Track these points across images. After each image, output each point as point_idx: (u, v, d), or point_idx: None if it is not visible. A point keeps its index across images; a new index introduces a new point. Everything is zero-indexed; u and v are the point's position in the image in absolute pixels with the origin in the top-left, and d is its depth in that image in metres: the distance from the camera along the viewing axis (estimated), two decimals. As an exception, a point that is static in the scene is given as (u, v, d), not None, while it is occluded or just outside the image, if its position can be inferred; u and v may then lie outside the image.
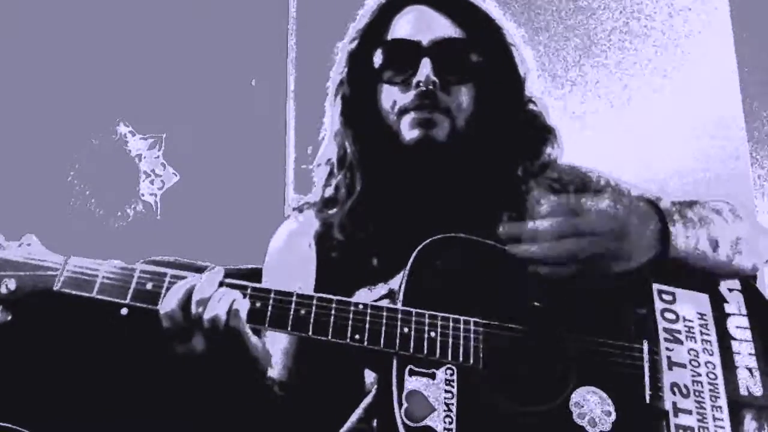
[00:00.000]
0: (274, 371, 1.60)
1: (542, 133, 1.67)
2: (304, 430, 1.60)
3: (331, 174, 1.69)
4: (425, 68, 1.54)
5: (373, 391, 1.51)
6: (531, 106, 1.67)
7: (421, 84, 1.54)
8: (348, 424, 1.54)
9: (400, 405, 1.29)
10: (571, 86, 2.89)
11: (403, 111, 1.57)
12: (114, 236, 3.20)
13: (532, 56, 1.68)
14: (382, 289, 1.52)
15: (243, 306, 1.35)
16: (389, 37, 1.61)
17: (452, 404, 1.31)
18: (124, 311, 1.40)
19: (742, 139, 2.87)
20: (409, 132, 1.57)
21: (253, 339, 1.40)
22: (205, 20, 3.33)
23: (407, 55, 1.57)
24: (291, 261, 1.68)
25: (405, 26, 1.61)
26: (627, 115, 2.89)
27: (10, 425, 2.01)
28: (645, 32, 2.97)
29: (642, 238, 1.36)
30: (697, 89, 2.90)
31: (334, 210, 1.65)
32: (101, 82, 3.26)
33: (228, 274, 1.41)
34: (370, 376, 1.53)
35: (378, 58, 1.61)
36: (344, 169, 1.66)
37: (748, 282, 1.50)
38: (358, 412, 1.54)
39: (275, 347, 1.61)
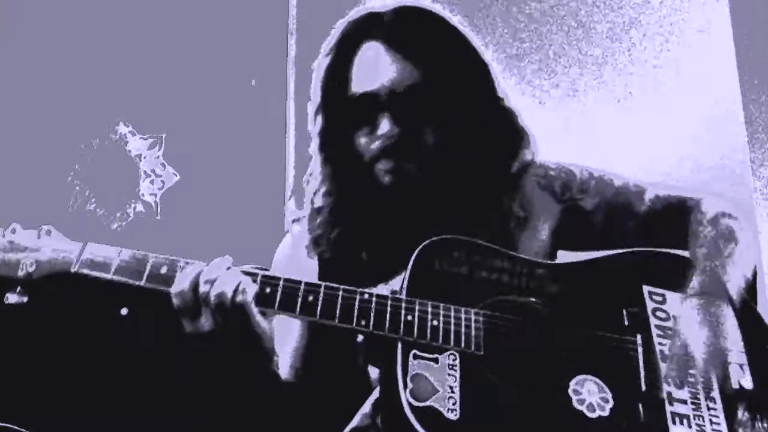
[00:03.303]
0: (281, 371, 1.62)
1: (513, 140, 1.68)
2: (312, 427, 1.64)
3: (315, 192, 1.72)
4: (384, 124, 1.56)
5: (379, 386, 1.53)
6: (501, 114, 1.67)
7: (381, 139, 1.57)
8: (354, 421, 1.58)
9: (405, 386, 1.33)
10: (571, 86, 2.88)
11: (374, 161, 1.60)
12: (114, 236, 3.21)
13: (494, 65, 1.68)
14: (383, 290, 1.54)
15: (250, 286, 1.43)
16: (352, 86, 1.61)
17: (455, 387, 1.34)
18: (124, 311, 1.43)
19: (742, 139, 2.87)
20: (382, 177, 1.60)
21: (259, 318, 1.46)
22: (205, 20, 3.35)
23: (366, 110, 1.58)
24: (295, 272, 1.69)
25: (362, 75, 1.60)
26: (627, 116, 2.89)
27: (10, 425, 2.02)
28: (644, 32, 2.97)
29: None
30: (697, 89, 2.90)
31: (319, 232, 1.70)
32: (101, 82, 3.28)
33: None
34: (375, 372, 1.56)
35: (342, 113, 1.63)
36: (327, 195, 1.69)
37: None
38: (364, 408, 1.58)
39: (282, 349, 1.64)
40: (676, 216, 1.64)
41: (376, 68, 1.59)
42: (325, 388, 1.64)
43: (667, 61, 2.96)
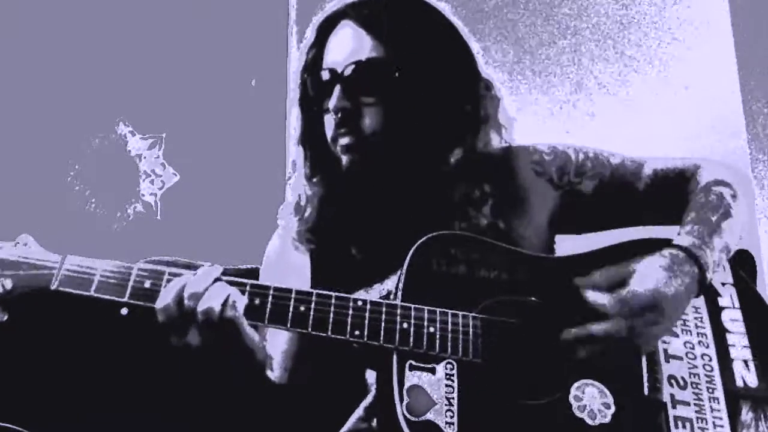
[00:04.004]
0: (274, 374, 1.60)
1: (473, 126, 1.67)
2: (304, 430, 1.60)
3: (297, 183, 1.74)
4: (335, 96, 1.57)
5: (373, 391, 1.52)
6: (477, 96, 1.67)
7: (331, 112, 1.58)
8: (348, 424, 1.55)
9: (401, 400, 1.30)
10: (569, 84, 2.88)
11: (333, 139, 1.60)
12: (114, 236, 3.21)
13: (477, 49, 1.69)
14: (378, 290, 1.54)
15: (240, 299, 1.37)
16: (323, 64, 1.63)
17: (453, 398, 1.32)
18: (124, 311, 1.40)
19: (741, 138, 2.86)
20: (342, 157, 1.60)
21: (249, 331, 1.41)
22: (205, 20, 3.34)
23: (328, 83, 1.60)
24: (285, 267, 1.71)
25: (331, 51, 1.63)
26: (627, 114, 2.88)
27: (8, 425, 2.01)
28: (644, 31, 2.96)
29: (682, 299, 1.39)
30: (697, 88, 2.89)
31: (298, 218, 1.71)
32: (101, 82, 3.27)
33: (227, 273, 1.43)
34: (371, 377, 1.54)
35: (312, 87, 1.64)
36: (304, 181, 1.71)
37: (740, 275, 1.53)
38: (358, 411, 1.55)
39: (274, 350, 1.62)
40: (675, 189, 1.63)
41: (343, 45, 1.61)
42: (317, 390, 1.61)
43: (667, 60, 2.96)
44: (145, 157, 3.29)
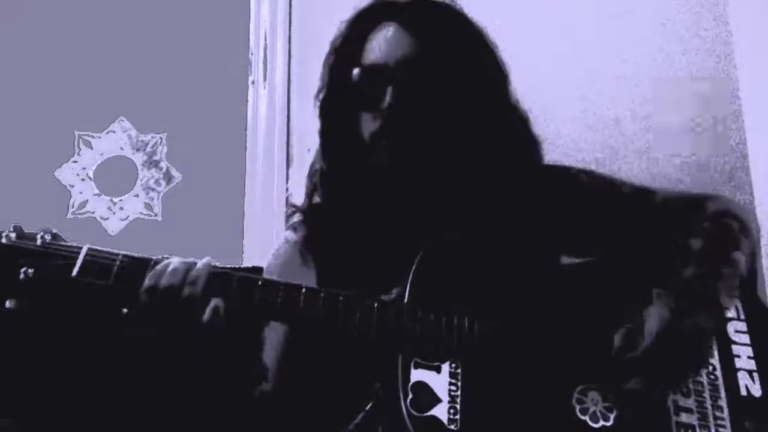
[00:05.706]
0: (267, 385, 1.61)
1: (524, 140, 1.71)
2: None
3: (312, 184, 1.75)
4: (388, 96, 1.58)
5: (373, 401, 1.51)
6: (511, 115, 1.71)
7: (384, 112, 1.59)
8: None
9: (405, 396, 1.32)
10: (567, 82, 2.86)
11: (374, 138, 1.61)
12: (114, 237, 3.21)
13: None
14: (384, 299, 1.53)
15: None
16: (363, 60, 1.65)
17: (457, 396, 1.33)
18: (125, 310, 1.41)
19: (741, 134, 2.85)
20: (382, 155, 1.61)
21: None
22: (205, 20, 3.34)
23: (375, 81, 1.61)
24: (289, 274, 1.70)
25: (376, 49, 1.64)
26: (625, 112, 2.86)
27: (10, 421, 2.02)
28: (642, 27, 2.94)
29: (701, 324, 1.40)
30: (696, 85, 2.88)
31: (307, 223, 1.73)
32: (101, 81, 3.27)
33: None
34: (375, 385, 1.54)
35: (353, 83, 1.65)
36: (320, 182, 1.72)
37: (745, 286, 1.53)
38: (358, 417, 1.54)
39: (269, 360, 1.63)
40: (683, 219, 1.63)
41: (388, 44, 1.63)
42: (313, 400, 1.59)
43: (666, 58, 2.94)
44: (145, 157, 3.29)
